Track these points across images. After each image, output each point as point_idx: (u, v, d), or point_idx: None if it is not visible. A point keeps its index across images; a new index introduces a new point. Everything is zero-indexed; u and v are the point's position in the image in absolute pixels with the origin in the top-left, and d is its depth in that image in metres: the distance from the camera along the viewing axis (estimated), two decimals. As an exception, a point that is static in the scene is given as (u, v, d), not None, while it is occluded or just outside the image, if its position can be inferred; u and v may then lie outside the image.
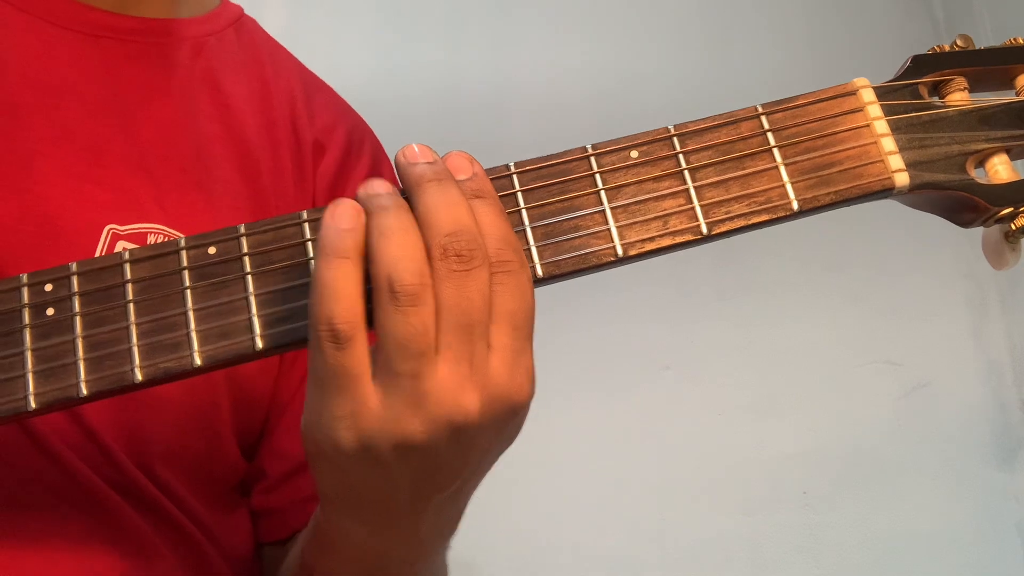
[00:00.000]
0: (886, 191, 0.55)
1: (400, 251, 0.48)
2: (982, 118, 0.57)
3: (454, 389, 0.49)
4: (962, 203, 0.56)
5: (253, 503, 0.81)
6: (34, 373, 0.52)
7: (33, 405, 0.52)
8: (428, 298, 0.48)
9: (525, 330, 0.51)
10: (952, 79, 0.58)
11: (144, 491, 0.70)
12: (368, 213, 0.51)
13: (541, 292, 0.57)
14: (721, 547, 1.81)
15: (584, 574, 1.74)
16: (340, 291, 0.49)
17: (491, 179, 0.55)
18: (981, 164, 0.57)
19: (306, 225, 0.54)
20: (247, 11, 0.90)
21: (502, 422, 0.52)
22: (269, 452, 0.81)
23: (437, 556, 0.68)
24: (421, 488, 0.54)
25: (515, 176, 0.55)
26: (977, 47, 0.58)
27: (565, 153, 0.56)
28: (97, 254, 0.68)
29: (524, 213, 0.54)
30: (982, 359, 2.00)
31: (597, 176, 0.55)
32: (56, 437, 0.67)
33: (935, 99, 0.58)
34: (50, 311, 0.53)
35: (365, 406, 0.49)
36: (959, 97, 0.57)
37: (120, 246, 0.69)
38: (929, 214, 0.59)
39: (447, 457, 0.52)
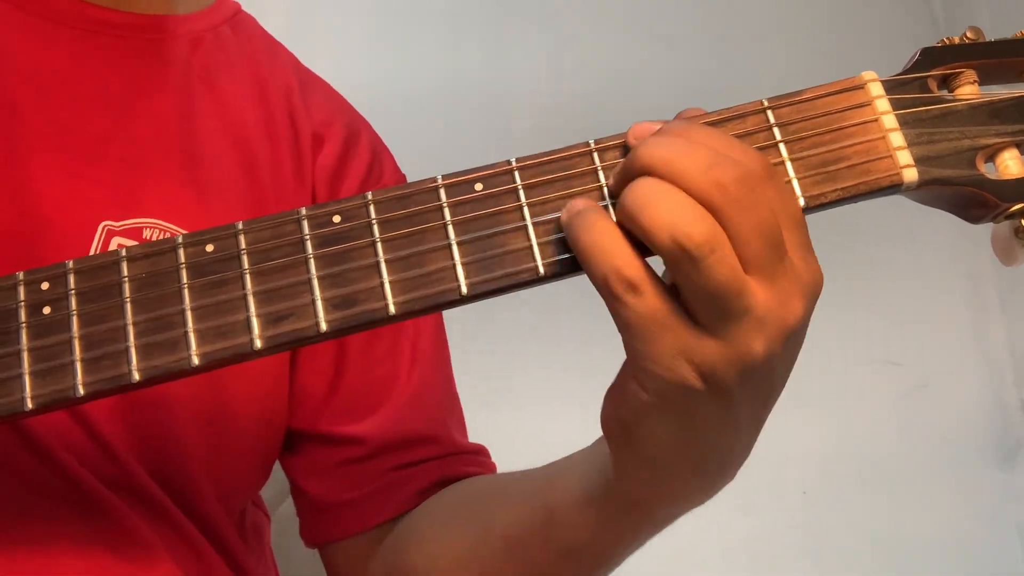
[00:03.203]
0: (894, 187, 0.54)
1: (670, 210, 0.47)
2: (992, 112, 0.55)
3: (782, 303, 0.49)
4: (971, 199, 0.55)
5: (315, 498, 0.81)
6: (31, 373, 0.52)
7: (30, 405, 0.51)
8: (721, 237, 0.47)
9: (804, 224, 0.52)
10: (962, 72, 0.57)
11: (147, 491, 0.70)
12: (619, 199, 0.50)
13: (543, 292, 0.56)
14: (721, 547, 1.81)
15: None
16: (611, 244, 0.49)
17: (491, 175, 0.54)
18: (991, 159, 0.56)
19: (304, 222, 0.54)
20: (248, 11, 0.90)
21: (812, 310, 0.52)
22: (323, 442, 0.81)
23: None
24: (759, 410, 0.54)
25: (516, 172, 0.54)
26: (988, 39, 0.57)
27: (567, 148, 0.55)
28: (92, 251, 0.68)
29: (526, 210, 0.54)
30: (982, 359, 2.00)
31: (600, 171, 0.54)
32: (53, 438, 0.67)
33: (944, 92, 0.57)
34: (47, 309, 0.53)
35: (703, 347, 0.49)
36: (969, 91, 0.56)
37: (115, 242, 0.69)
38: (931, 214, 0.59)
39: (780, 367, 0.52)
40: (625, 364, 0.53)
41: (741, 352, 0.49)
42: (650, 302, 0.48)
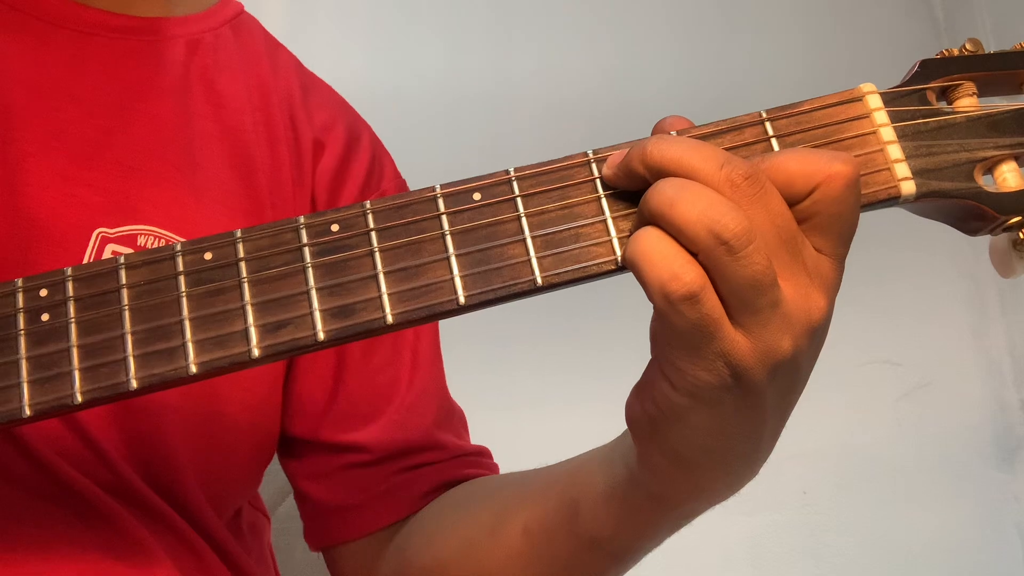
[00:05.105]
0: (892, 200, 0.54)
1: (703, 204, 0.48)
2: (991, 124, 0.55)
3: (805, 298, 0.50)
4: (969, 212, 0.55)
5: (320, 501, 0.81)
6: (29, 382, 0.52)
7: (28, 413, 0.51)
8: (753, 227, 0.48)
9: None
10: (961, 84, 0.57)
11: (142, 496, 0.70)
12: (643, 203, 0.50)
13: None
14: (721, 547, 1.81)
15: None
16: (669, 251, 0.49)
17: (490, 185, 0.54)
18: (989, 171, 0.55)
19: (303, 230, 0.53)
20: (248, 11, 0.89)
21: (833, 306, 0.52)
22: (324, 449, 0.81)
23: None
24: (784, 406, 0.54)
25: (515, 182, 0.54)
26: (987, 51, 0.57)
27: (566, 158, 0.55)
28: (86, 258, 0.68)
29: (524, 220, 0.53)
30: (982, 359, 1.99)
31: (598, 182, 0.54)
32: (46, 444, 0.66)
33: (943, 104, 0.57)
34: (45, 316, 0.53)
35: (736, 346, 0.49)
36: (968, 103, 0.56)
37: (110, 249, 0.69)
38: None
39: (805, 363, 0.52)
40: (653, 362, 0.53)
41: (771, 349, 0.49)
42: (705, 308, 0.48)
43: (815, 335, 0.51)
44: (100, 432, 0.69)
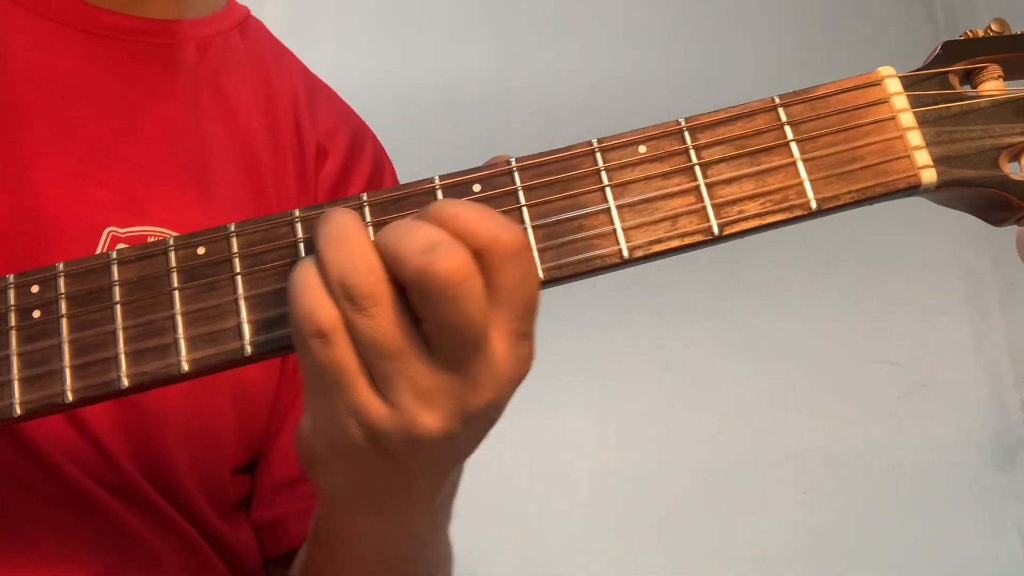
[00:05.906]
0: (911, 189, 0.52)
1: (345, 254, 0.47)
2: (1018, 109, 0.53)
3: (468, 389, 0.48)
4: (994, 201, 0.53)
5: (253, 517, 0.80)
6: (20, 379, 0.51)
7: (19, 411, 0.51)
8: (385, 296, 0.47)
9: (532, 309, 0.50)
10: (986, 67, 0.54)
11: (145, 496, 0.69)
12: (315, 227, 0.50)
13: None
14: (721, 547, 1.81)
15: (584, 574, 1.73)
16: (317, 287, 0.48)
17: (490, 176, 0.53)
18: (1016, 158, 0.53)
19: (298, 224, 0.52)
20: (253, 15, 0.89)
21: (512, 393, 0.51)
22: (267, 464, 0.79)
23: (446, 524, 0.66)
24: (436, 473, 0.54)
25: (516, 172, 0.53)
26: (1014, 32, 0.55)
27: (569, 148, 0.53)
28: None
29: (525, 211, 0.52)
30: (982, 359, 1.99)
31: (603, 172, 0.52)
32: (50, 444, 0.66)
33: (967, 88, 0.55)
34: (36, 313, 0.52)
35: (369, 406, 0.48)
36: (993, 86, 0.54)
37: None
38: (932, 213, 0.57)
39: (463, 442, 0.51)
40: (305, 410, 0.52)
41: (408, 422, 0.48)
42: (336, 353, 0.47)
43: (473, 420, 0.49)
44: (105, 431, 0.68)
